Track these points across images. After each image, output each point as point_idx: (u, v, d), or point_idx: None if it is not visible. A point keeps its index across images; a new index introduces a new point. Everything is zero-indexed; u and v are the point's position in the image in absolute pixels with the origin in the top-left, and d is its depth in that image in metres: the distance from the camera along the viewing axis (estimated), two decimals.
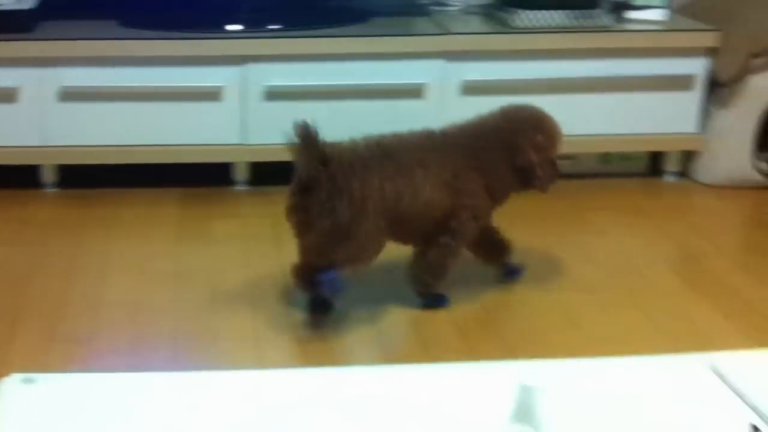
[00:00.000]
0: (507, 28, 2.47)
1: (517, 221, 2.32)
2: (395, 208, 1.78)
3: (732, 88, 2.51)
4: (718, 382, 0.99)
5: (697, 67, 2.52)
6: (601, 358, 1.01)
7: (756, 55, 2.46)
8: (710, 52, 2.51)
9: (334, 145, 1.76)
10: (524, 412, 0.74)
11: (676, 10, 2.68)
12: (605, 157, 2.64)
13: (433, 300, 1.91)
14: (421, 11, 2.65)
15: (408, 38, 2.46)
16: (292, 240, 2.21)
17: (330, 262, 1.75)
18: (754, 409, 0.93)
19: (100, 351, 1.72)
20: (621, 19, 2.55)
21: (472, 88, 2.46)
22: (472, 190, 1.87)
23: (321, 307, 1.86)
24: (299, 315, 1.87)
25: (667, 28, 2.53)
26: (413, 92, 2.46)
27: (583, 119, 2.48)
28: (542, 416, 0.76)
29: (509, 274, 2.02)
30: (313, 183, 1.73)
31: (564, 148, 2.57)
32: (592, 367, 0.99)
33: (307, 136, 1.71)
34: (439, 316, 1.88)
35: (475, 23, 2.57)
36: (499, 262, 2.01)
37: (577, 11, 2.45)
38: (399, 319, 1.87)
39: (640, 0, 2.57)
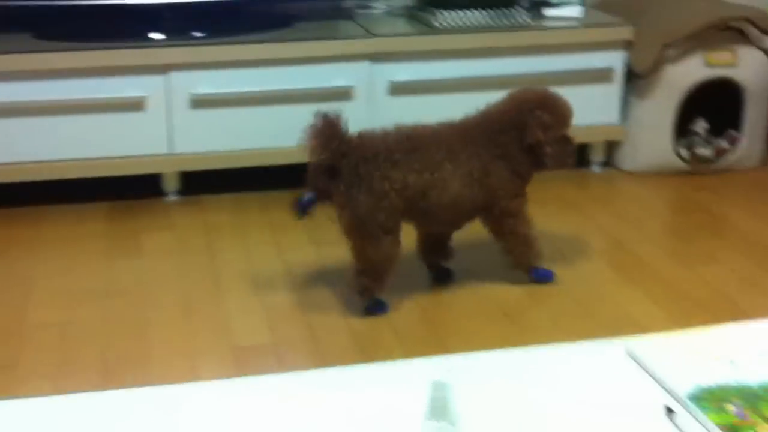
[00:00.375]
0: (430, 29, 2.49)
1: None
2: (420, 201, 1.84)
3: (649, 78, 2.59)
4: (634, 366, 1.01)
5: (615, 60, 2.59)
6: (517, 348, 1.03)
7: (669, 46, 2.54)
8: (627, 45, 2.58)
9: (362, 135, 1.82)
10: (438, 408, 0.75)
11: (592, 6, 2.75)
12: None
13: (541, 275, 2.01)
14: (346, 14, 2.66)
15: (333, 41, 2.46)
16: (225, 249, 2.21)
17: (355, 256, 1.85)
18: (669, 391, 0.96)
19: (26, 376, 1.67)
20: (539, 17, 2.61)
21: (399, 89, 2.49)
22: (502, 179, 1.93)
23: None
24: (234, 324, 1.86)
25: (584, 24, 2.59)
26: (341, 95, 2.46)
27: None
28: (457, 411, 0.78)
29: (442, 277, 2.04)
30: (335, 172, 1.79)
31: None
32: (508, 358, 1.01)
33: (328, 125, 1.76)
34: (375, 317, 1.89)
35: (399, 25, 2.59)
36: (436, 265, 2.05)
37: (496, 10, 2.49)
38: (335, 322, 1.88)
39: None
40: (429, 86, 2.48)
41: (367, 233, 1.82)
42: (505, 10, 2.50)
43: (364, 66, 2.46)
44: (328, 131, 1.76)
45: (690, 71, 2.59)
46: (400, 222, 1.86)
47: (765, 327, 1.07)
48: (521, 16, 2.52)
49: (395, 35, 2.50)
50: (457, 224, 1.98)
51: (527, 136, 1.91)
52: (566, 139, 1.96)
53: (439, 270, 2.05)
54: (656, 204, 2.59)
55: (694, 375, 0.98)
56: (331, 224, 2.34)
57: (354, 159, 1.79)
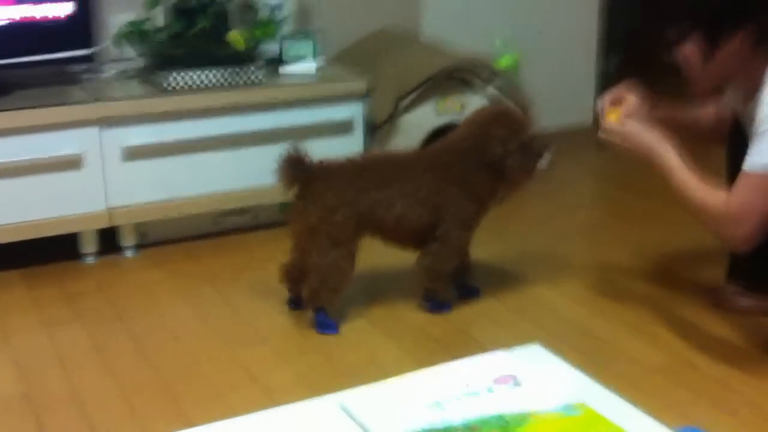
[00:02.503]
0: (161, 91, 2.42)
1: (193, 281, 2.26)
2: (371, 217, 1.99)
3: (388, 127, 2.68)
4: (347, 421, 1.00)
5: (354, 111, 2.65)
6: (229, 419, 0.99)
7: (403, 98, 2.65)
8: (364, 96, 2.66)
9: (323, 162, 2.00)
10: None
11: (329, 61, 2.82)
12: (283, 207, 2.68)
13: (437, 306, 2.12)
14: (72, 80, 2.52)
15: (58, 108, 2.31)
16: None
17: (309, 270, 2.00)
18: None
19: None
20: (276, 74, 2.62)
21: (133, 153, 2.39)
22: (452, 204, 2.04)
23: (298, 306, 2.11)
24: None
25: (320, 79, 2.64)
26: (70, 164, 2.32)
27: (255, 171, 2.50)
28: None
29: (466, 294, 2.18)
30: (298, 195, 1.99)
31: (239, 202, 2.59)
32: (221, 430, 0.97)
33: (289, 158, 1.95)
34: (107, 388, 1.77)
35: (129, 88, 2.49)
36: (457, 282, 2.16)
37: (229, 68, 2.47)
38: (62, 397, 1.74)
39: (292, 53, 2.66)
40: (165, 149, 2.40)
41: (316, 243, 1.96)
42: (239, 69, 2.48)
43: (92, 132, 2.33)
44: (293, 164, 1.94)
45: (424, 119, 2.71)
46: (353, 238, 1.99)
47: (469, 365, 1.09)
48: (255, 73, 2.52)
49: (125, 99, 2.40)
50: (418, 243, 2.08)
51: (486, 156, 2.00)
52: (526, 146, 2.04)
53: (463, 288, 2.17)
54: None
55: (403, 422, 0.98)
56: (62, 301, 2.19)
57: (313, 180, 1.97)
